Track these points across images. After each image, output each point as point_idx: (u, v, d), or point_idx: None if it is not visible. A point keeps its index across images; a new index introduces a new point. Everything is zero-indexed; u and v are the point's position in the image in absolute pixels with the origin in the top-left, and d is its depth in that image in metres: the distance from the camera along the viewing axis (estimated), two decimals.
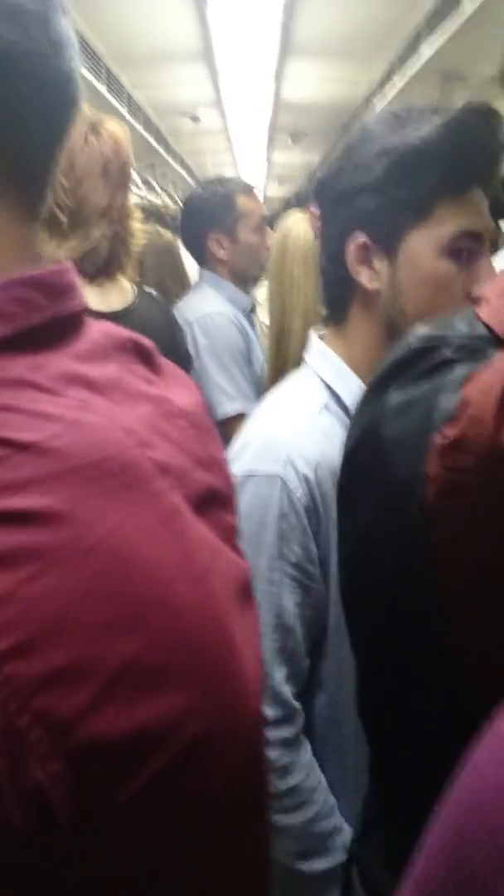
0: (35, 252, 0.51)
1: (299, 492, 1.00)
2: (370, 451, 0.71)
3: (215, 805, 0.44)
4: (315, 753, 1.06)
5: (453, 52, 4.42)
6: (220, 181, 2.50)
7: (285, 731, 1.02)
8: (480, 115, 0.95)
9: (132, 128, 6.46)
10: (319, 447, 1.02)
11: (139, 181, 6.32)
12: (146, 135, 7.20)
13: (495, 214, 1.03)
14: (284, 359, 1.77)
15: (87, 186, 1.39)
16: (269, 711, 1.01)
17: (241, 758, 0.47)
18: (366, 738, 0.81)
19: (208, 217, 2.41)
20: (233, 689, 0.46)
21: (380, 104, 6.02)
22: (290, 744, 1.03)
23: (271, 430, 1.06)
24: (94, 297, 1.43)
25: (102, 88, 5.15)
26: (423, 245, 0.98)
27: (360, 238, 1.01)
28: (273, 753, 1.01)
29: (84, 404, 0.45)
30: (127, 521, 0.42)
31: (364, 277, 1.02)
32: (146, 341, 0.59)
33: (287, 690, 1.02)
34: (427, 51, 4.64)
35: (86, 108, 1.45)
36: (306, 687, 1.06)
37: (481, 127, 0.95)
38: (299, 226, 1.77)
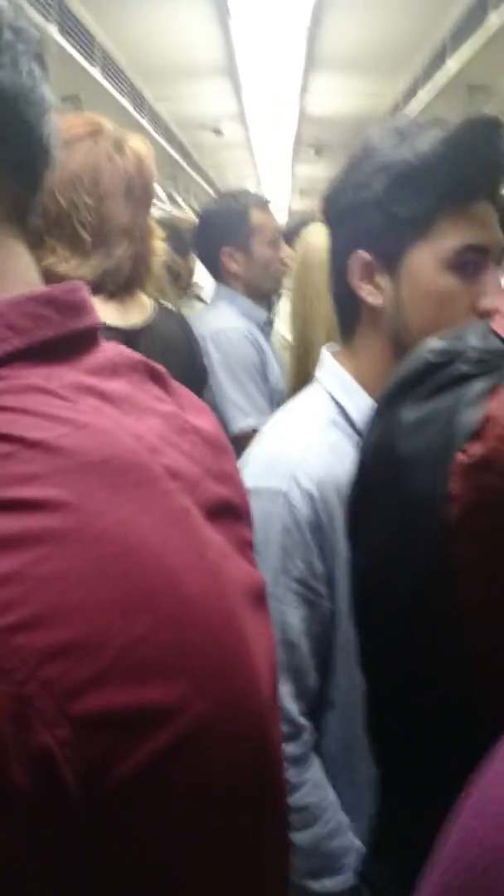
0: (30, 271, 0.53)
1: (302, 507, 1.00)
2: (385, 467, 0.70)
3: (219, 795, 0.45)
4: (327, 772, 1.06)
5: (480, 65, 4.38)
6: (234, 195, 2.50)
7: (292, 748, 1.01)
8: (481, 127, 0.94)
9: (155, 141, 6.48)
10: (324, 463, 1.01)
11: (162, 194, 6.33)
12: (169, 148, 7.21)
13: None
14: (307, 371, 1.77)
15: (111, 204, 1.39)
16: None
17: (249, 749, 0.48)
18: (374, 756, 0.81)
19: (222, 231, 2.41)
20: (241, 679, 0.47)
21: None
22: (298, 761, 1.02)
23: (276, 446, 1.07)
24: (113, 313, 1.41)
25: (125, 102, 5.16)
26: (426, 260, 0.98)
27: (363, 254, 1.02)
28: None
29: (95, 411, 0.47)
30: (136, 514, 0.43)
31: (366, 294, 1.03)
32: (158, 365, 0.60)
33: (294, 707, 1.02)
34: (453, 64, 4.60)
35: (109, 125, 1.43)
36: (317, 705, 1.06)
37: (481, 140, 0.94)
38: (321, 238, 1.74)
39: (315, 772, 1.04)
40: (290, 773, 1.01)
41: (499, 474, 0.58)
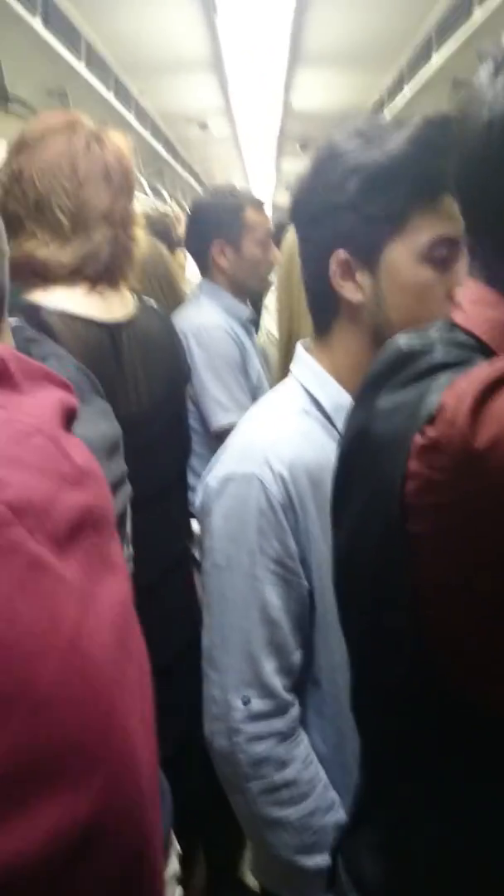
0: None
1: (275, 490, 1.05)
2: (361, 450, 0.74)
3: None
4: (316, 751, 1.08)
5: (464, 60, 4.39)
6: (231, 191, 2.52)
7: (278, 724, 1.04)
8: (441, 126, 1.00)
9: (140, 136, 6.46)
10: (295, 447, 1.07)
11: (147, 188, 6.31)
12: (155, 143, 7.20)
13: None
14: None
15: (89, 189, 1.40)
16: (261, 704, 1.04)
17: (131, 855, 0.43)
18: (358, 729, 0.84)
19: (214, 224, 2.42)
20: (117, 774, 0.42)
21: (390, 113, 6.00)
22: (284, 736, 1.05)
23: (250, 434, 1.13)
24: (95, 305, 1.41)
25: (110, 96, 5.14)
26: (402, 255, 1.04)
27: (341, 254, 1.06)
28: (266, 745, 1.03)
29: None
30: None
31: (348, 291, 1.08)
32: None
33: (277, 682, 1.05)
34: (438, 59, 4.61)
35: (87, 119, 1.43)
36: (301, 683, 1.08)
37: (443, 138, 0.99)
38: None
39: (304, 748, 1.06)
40: (280, 750, 1.04)
41: (446, 456, 0.62)
